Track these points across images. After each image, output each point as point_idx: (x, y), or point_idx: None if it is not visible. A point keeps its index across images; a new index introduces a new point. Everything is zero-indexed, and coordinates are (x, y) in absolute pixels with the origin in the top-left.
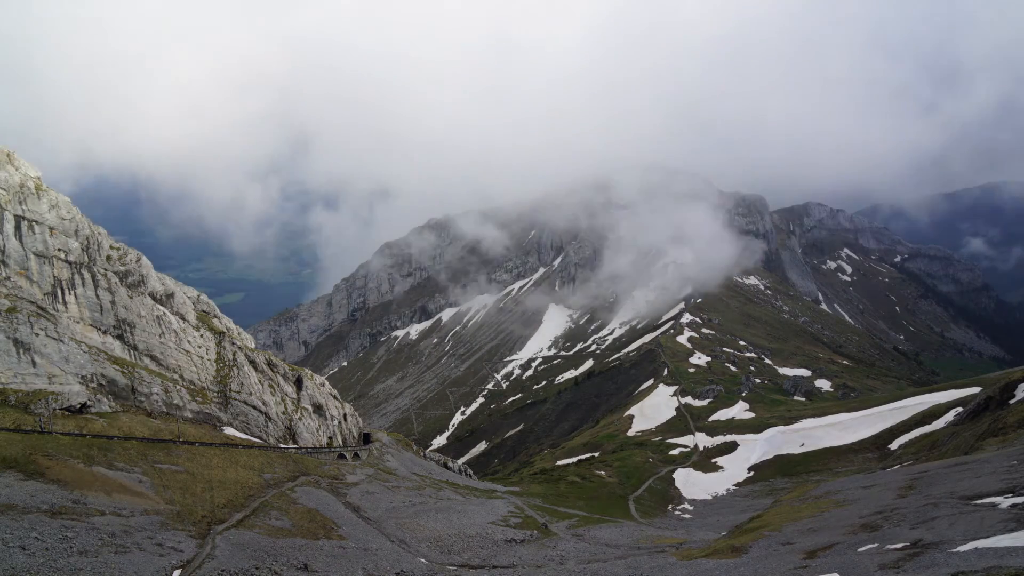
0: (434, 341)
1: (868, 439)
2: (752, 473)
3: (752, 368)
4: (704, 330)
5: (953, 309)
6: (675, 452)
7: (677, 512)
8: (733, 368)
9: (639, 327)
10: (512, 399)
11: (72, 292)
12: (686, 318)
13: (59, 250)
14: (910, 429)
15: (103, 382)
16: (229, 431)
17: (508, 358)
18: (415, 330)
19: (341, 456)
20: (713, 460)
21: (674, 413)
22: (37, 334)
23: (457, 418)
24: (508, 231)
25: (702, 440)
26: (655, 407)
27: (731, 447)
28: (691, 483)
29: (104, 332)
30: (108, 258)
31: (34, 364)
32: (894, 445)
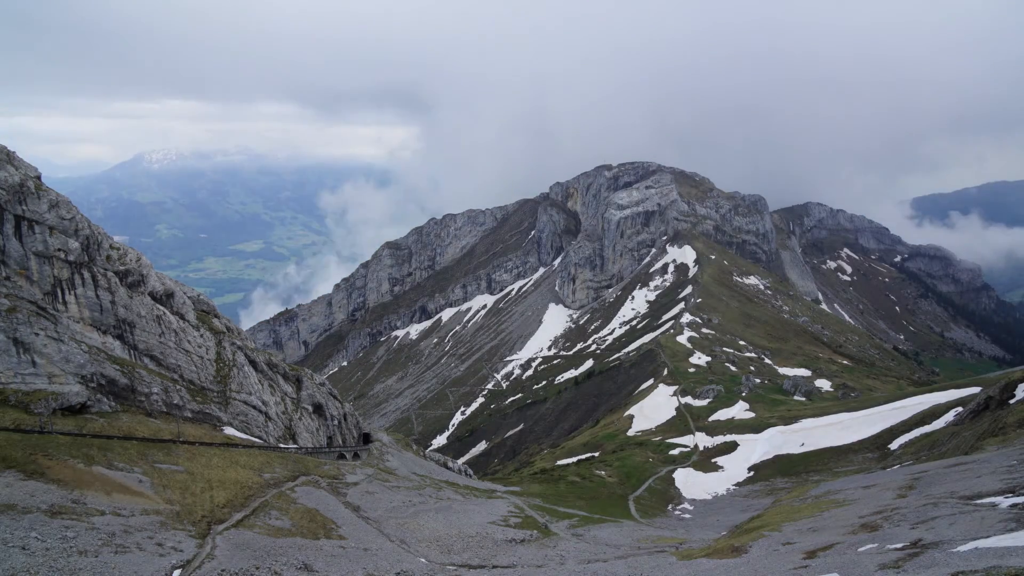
0: (434, 341)
1: (868, 439)
2: (752, 473)
3: (752, 368)
4: (704, 330)
5: (953, 309)
6: (675, 452)
7: (677, 512)
8: (733, 368)
9: (639, 327)
10: (512, 399)
11: (72, 292)
12: (686, 318)
13: (59, 250)
14: (910, 429)
15: (103, 382)
16: (229, 431)
17: (508, 358)
18: (415, 330)
19: (341, 456)
20: (713, 460)
21: (674, 413)
22: (37, 334)
23: (457, 418)
24: (508, 231)
25: (702, 440)
26: (655, 407)
27: (731, 447)
28: (691, 483)
29: (104, 332)
30: (108, 258)
31: (34, 364)
32: (894, 445)
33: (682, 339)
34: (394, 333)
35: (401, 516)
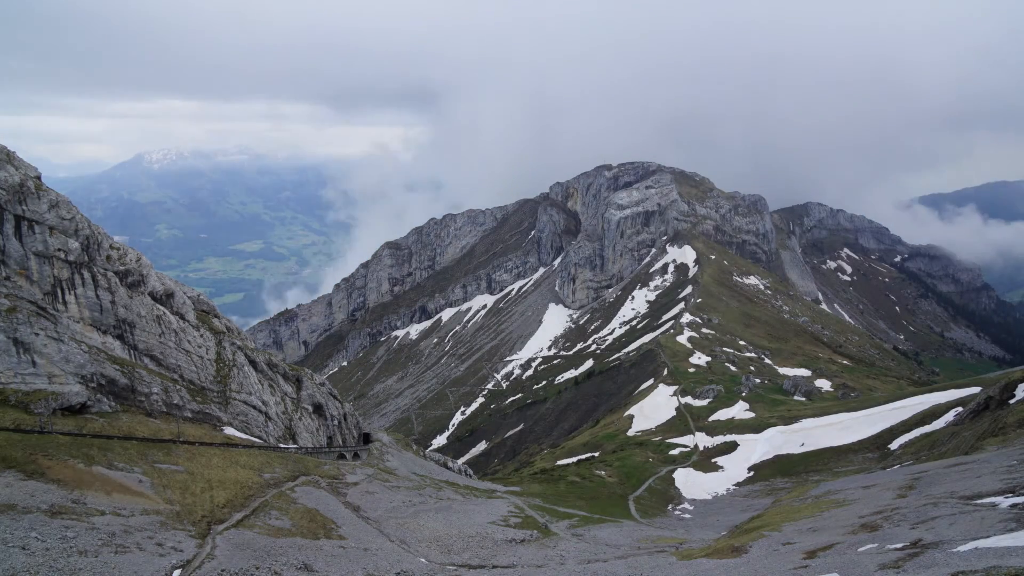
0: (434, 341)
1: (868, 439)
2: (752, 473)
3: (752, 368)
4: (704, 330)
5: (953, 309)
6: (675, 452)
7: (677, 512)
8: (733, 368)
9: (639, 327)
10: (512, 399)
11: (72, 292)
12: (686, 318)
13: (59, 250)
14: (910, 429)
15: (103, 382)
16: (229, 431)
17: (508, 358)
18: (415, 330)
19: (341, 456)
20: (713, 460)
21: (674, 413)
22: (37, 334)
23: (457, 418)
24: (508, 231)
25: (702, 440)
26: (655, 407)
27: (731, 447)
28: (691, 483)
29: (104, 332)
30: (108, 258)
31: (34, 364)
32: (894, 445)
33: (682, 339)
34: (394, 333)
35: (401, 516)
